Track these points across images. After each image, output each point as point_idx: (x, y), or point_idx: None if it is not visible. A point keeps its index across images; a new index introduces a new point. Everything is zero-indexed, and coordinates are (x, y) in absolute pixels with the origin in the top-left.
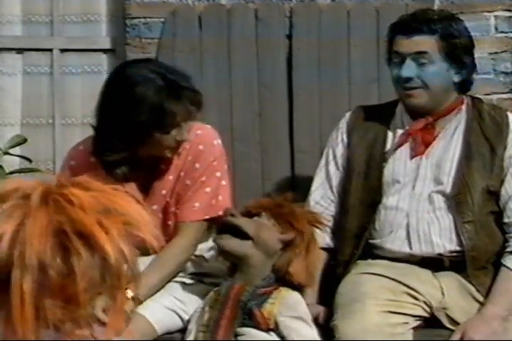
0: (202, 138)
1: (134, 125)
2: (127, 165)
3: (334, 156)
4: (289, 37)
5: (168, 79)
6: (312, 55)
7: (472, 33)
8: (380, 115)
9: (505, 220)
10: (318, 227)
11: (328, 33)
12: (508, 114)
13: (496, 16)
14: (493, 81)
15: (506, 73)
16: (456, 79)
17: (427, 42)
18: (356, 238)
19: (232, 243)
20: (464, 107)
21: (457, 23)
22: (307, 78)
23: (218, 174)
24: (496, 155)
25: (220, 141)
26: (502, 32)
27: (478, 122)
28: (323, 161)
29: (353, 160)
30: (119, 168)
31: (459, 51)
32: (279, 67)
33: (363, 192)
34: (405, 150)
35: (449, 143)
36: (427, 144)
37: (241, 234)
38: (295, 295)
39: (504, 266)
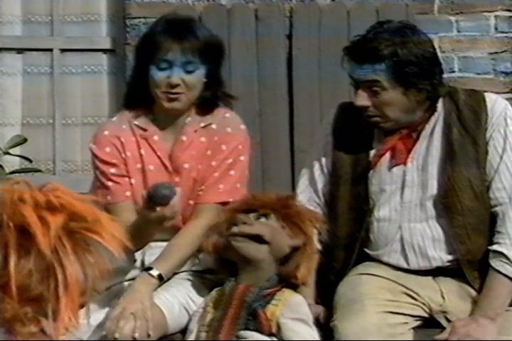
0: (230, 122)
1: (136, 56)
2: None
3: (319, 159)
4: (289, 37)
5: (184, 23)
6: (312, 54)
7: (472, 33)
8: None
9: (491, 210)
10: (316, 228)
11: (328, 32)
12: (486, 95)
13: (496, 16)
14: (493, 81)
15: (506, 73)
16: (419, 97)
17: (375, 72)
18: (348, 246)
19: (249, 247)
20: (439, 104)
21: (408, 41)
22: (307, 78)
23: (242, 158)
24: (480, 147)
25: (245, 127)
26: (502, 32)
27: (457, 115)
28: (307, 163)
29: (339, 165)
30: (136, 92)
31: (412, 79)
32: (279, 67)
33: (352, 199)
34: (389, 157)
35: (430, 143)
36: (408, 150)
37: (256, 238)
38: (298, 297)
39: (492, 267)
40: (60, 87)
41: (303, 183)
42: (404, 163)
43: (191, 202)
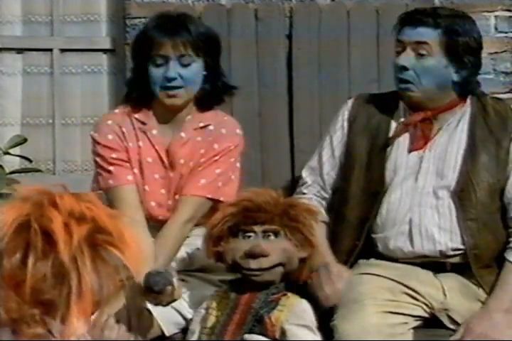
0: (226, 124)
1: (132, 52)
2: (142, 91)
3: (331, 143)
4: (289, 37)
5: (177, 18)
6: (312, 55)
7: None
8: (383, 104)
9: (511, 215)
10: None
11: (328, 33)
12: None
13: (496, 16)
14: (493, 81)
15: (506, 73)
16: (456, 78)
17: (429, 34)
18: (357, 229)
19: (266, 276)
20: (468, 101)
21: (466, 22)
22: (307, 78)
23: (232, 160)
24: (502, 148)
25: (241, 132)
26: (502, 32)
27: (483, 116)
28: (319, 147)
29: (355, 150)
30: (135, 91)
31: (461, 49)
32: (279, 67)
33: (365, 183)
34: (407, 142)
35: (453, 135)
36: (426, 138)
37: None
38: (303, 303)
39: (508, 260)
40: (60, 87)
41: (310, 166)
42: (423, 150)
43: (177, 197)
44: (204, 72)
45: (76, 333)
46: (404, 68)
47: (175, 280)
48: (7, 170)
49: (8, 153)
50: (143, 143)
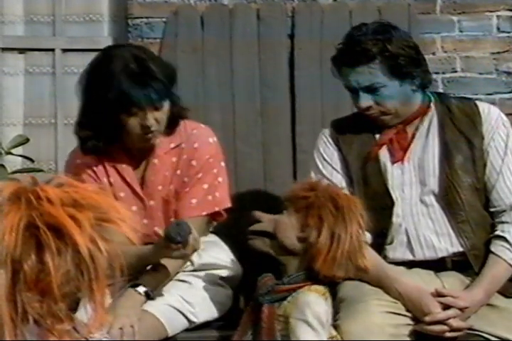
0: (197, 137)
1: (97, 101)
2: (100, 141)
3: (332, 166)
4: (291, 37)
5: (142, 65)
6: (314, 54)
7: (474, 33)
8: (361, 123)
9: (491, 209)
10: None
11: (330, 32)
12: (477, 103)
13: (498, 16)
14: (495, 81)
15: (508, 73)
16: (414, 87)
17: (370, 71)
18: (377, 244)
19: (255, 242)
20: (432, 105)
21: (393, 40)
22: (309, 78)
23: (215, 171)
24: (475, 147)
25: (215, 139)
26: (504, 32)
27: (450, 117)
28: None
29: (351, 169)
30: (90, 141)
31: (404, 67)
32: (281, 67)
33: (368, 199)
34: (387, 155)
35: (426, 142)
36: (404, 148)
37: (265, 234)
38: (308, 296)
39: (491, 252)
40: (62, 86)
41: None
42: (402, 162)
43: (172, 220)
44: (169, 105)
45: (104, 317)
46: (369, 108)
47: (193, 230)
48: (9, 170)
49: (11, 153)
50: (114, 179)
